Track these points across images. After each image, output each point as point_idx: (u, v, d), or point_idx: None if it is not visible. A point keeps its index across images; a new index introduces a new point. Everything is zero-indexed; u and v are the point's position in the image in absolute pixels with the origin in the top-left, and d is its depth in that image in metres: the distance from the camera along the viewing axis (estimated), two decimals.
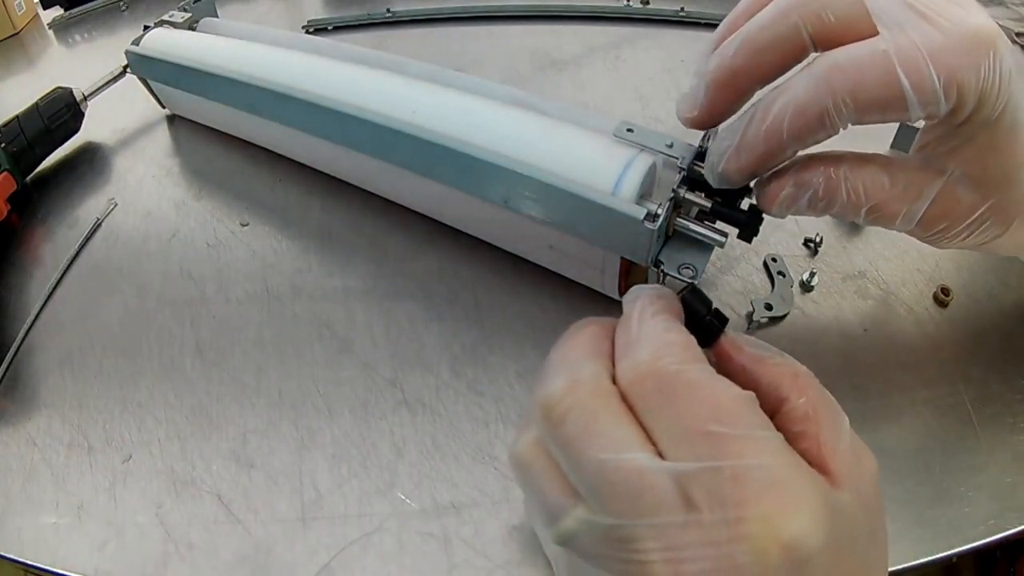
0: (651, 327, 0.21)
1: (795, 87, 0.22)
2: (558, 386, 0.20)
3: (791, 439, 0.20)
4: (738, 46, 0.23)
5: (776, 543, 0.17)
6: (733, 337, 0.23)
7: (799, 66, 0.23)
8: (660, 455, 0.19)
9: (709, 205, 0.29)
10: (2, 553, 0.28)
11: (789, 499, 0.18)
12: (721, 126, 0.25)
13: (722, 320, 0.23)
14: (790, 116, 0.22)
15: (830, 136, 0.22)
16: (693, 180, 0.31)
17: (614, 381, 0.21)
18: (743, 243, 0.38)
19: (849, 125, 0.22)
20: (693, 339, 0.21)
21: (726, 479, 0.18)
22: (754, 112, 0.23)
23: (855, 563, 0.19)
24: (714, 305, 0.24)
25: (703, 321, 0.23)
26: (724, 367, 0.23)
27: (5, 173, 0.41)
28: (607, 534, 0.19)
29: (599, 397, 0.20)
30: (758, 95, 0.24)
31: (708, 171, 0.26)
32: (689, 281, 0.31)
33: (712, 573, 0.18)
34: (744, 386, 0.21)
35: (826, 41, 0.22)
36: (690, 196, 0.29)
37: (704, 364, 0.20)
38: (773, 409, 0.21)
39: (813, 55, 0.22)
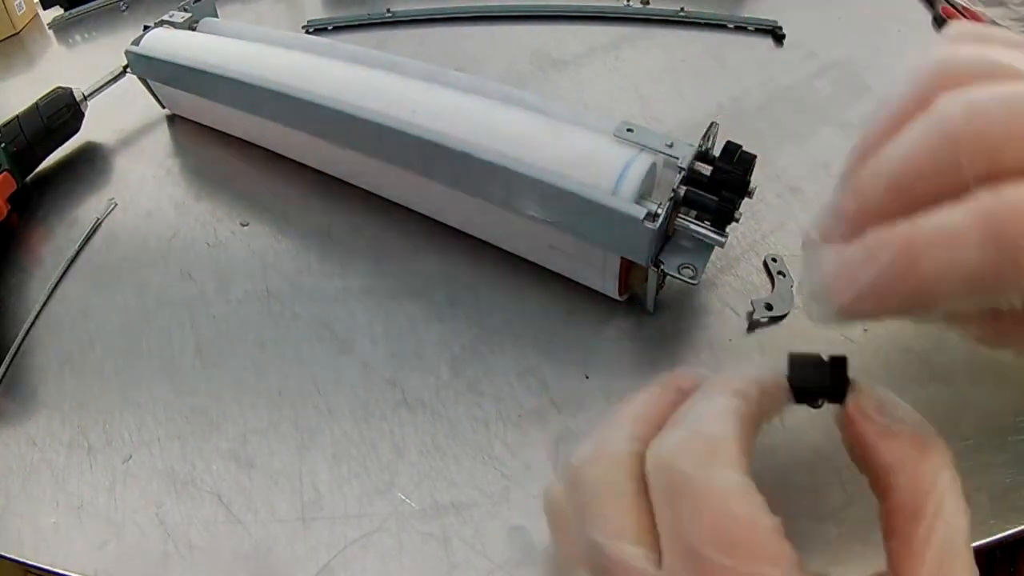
0: (699, 410, 0.19)
1: (961, 238, 0.16)
2: (585, 451, 0.20)
3: (886, 533, 0.18)
4: (885, 187, 0.18)
5: None
6: (862, 399, 0.19)
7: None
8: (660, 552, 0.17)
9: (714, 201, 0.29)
10: (2, 553, 0.28)
11: None
12: (831, 247, 0.19)
13: (839, 381, 0.19)
14: (949, 277, 0.16)
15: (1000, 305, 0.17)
16: (693, 180, 0.31)
17: None
18: (743, 243, 0.38)
19: None
20: (733, 436, 0.18)
21: None
22: (896, 254, 0.17)
23: None
24: (825, 356, 0.20)
25: (814, 391, 0.20)
26: (848, 434, 0.19)
27: (5, 173, 0.41)
28: None
29: (616, 477, 0.19)
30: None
31: (810, 297, 0.20)
32: (689, 281, 0.31)
33: None
34: (863, 459, 0.19)
35: (991, 180, 0.16)
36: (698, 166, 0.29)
37: (732, 471, 0.17)
38: (884, 491, 0.18)
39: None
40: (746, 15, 0.57)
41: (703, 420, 0.18)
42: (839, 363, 0.20)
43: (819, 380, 0.20)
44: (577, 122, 0.33)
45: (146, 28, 0.45)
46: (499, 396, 0.32)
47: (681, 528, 0.17)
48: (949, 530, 0.17)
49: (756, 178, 0.31)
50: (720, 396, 0.19)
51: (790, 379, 0.20)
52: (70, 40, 0.61)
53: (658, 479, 0.18)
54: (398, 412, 0.32)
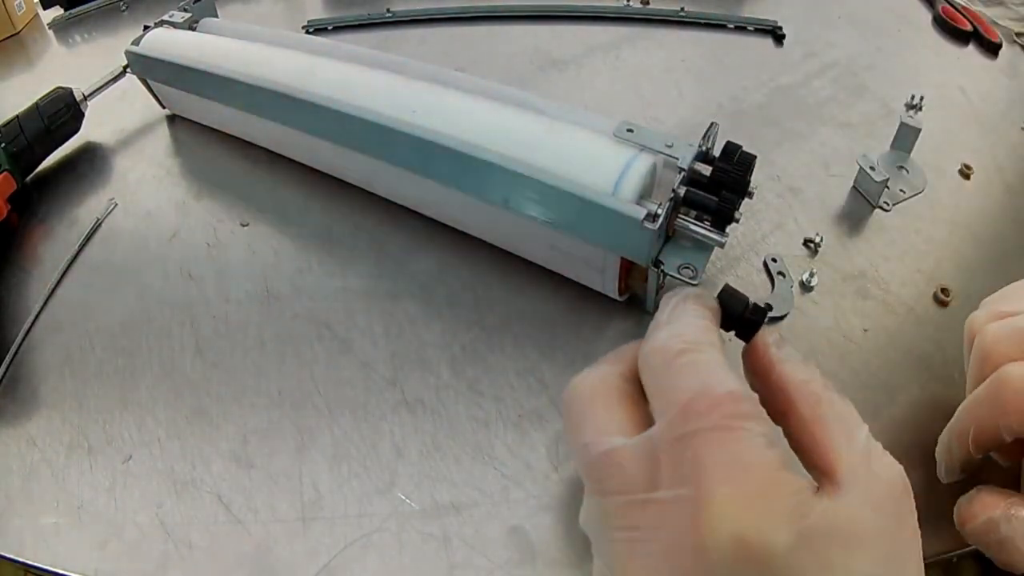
0: (677, 314, 0.22)
1: None
2: (578, 376, 0.22)
3: (796, 444, 0.20)
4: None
5: (730, 535, 0.17)
6: (764, 335, 0.23)
7: None
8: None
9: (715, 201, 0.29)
10: (2, 553, 0.28)
11: (753, 491, 0.17)
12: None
13: (760, 314, 0.24)
14: None
15: None
16: (693, 180, 0.31)
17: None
18: (743, 243, 0.38)
19: None
20: (714, 329, 0.21)
21: (688, 459, 0.18)
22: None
23: (861, 563, 0.18)
24: (752, 301, 0.24)
25: (740, 318, 0.23)
26: (751, 365, 0.23)
27: (5, 173, 0.41)
28: (591, 512, 0.20)
29: (601, 387, 0.22)
30: None
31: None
32: (689, 282, 0.31)
33: (663, 558, 0.18)
34: (762, 387, 0.21)
35: None
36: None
37: (715, 352, 0.20)
38: (783, 412, 0.21)
39: None
40: (746, 15, 0.57)
41: (684, 319, 0.21)
42: (760, 311, 0.24)
43: (739, 311, 0.24)
44: (577, 122, 0.33)
45: (146, 28, 0.45)
46: (499, 396, 0.32)
47: (669, 391, 0.19)
48: (859, 428, 0.20)
49: (756, 178, 0.31)
50: (691, 307, 0.22)
51: (719, 297, 0.24)
52: (70, 40, 0.61)
53: (651, 362, 0.21)
54: (398, 412, 0.32)
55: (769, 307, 0.25)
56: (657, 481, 0.18)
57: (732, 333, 0.24)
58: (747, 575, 0.17)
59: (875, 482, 0.19)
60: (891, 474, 0.20)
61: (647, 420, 0.21)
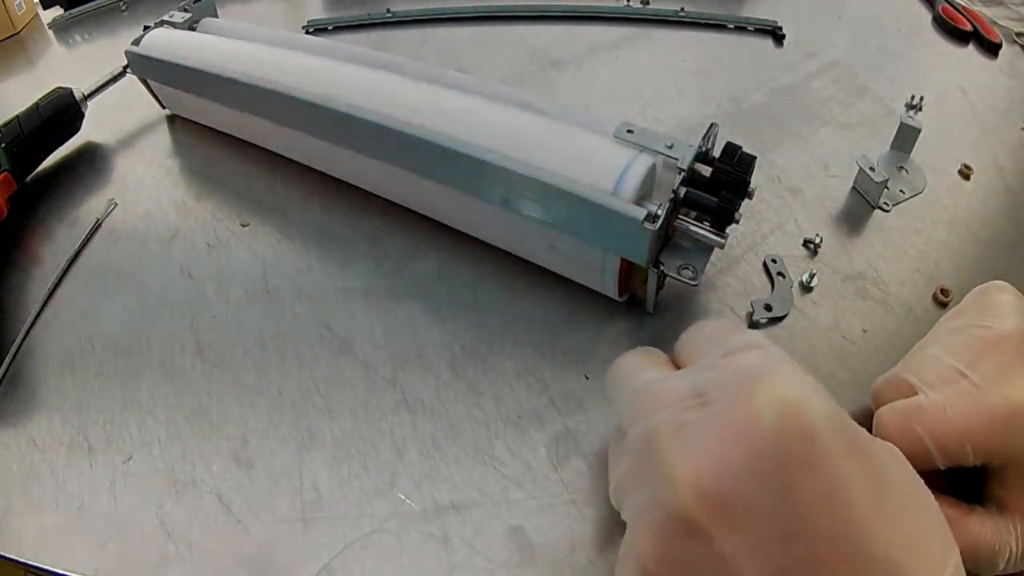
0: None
1: None
2: (626, 355, 0.25)
3: None
4: None
5: (779, 403, 0.19)
6: None
7: None
8: None
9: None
10: (2, 553, 0.28)
11: (792, 380, 0.20)
12: None
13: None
14: None
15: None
16: (693, 181, 0.31)
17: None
18: (743, 244, 0.38)
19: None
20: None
21: (731, 371, 0.21)
22: None
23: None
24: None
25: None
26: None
27: (5, 173, 0.41)
28: (633, 443, 0.21)
29: (645, 357, 0.25)
30: None
31: None
32: (689, 282, 0.31)
33: (717, 441, 0.19)
34: None
35: None
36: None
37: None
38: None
39: None
40: (746, 15, 0.57)
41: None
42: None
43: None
44: (577, 123, 0.33)
45: (146, 28, 0.45)
46: (499, 396, 0.32)
47: (710, 343, 0.23)
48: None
49: (756, 179, 0.31)
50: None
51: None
52: (70, 40, 0.61)
53: (696, 335, 0.24)
54: (398, 412, 0.32)
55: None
56: (704, 391, 0.20)
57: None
58: (792, 444, 0.18)
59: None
60: None
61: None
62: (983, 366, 0.25)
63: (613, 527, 0.28)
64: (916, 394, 0.26)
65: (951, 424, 0.24)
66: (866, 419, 0.28)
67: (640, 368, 0.24)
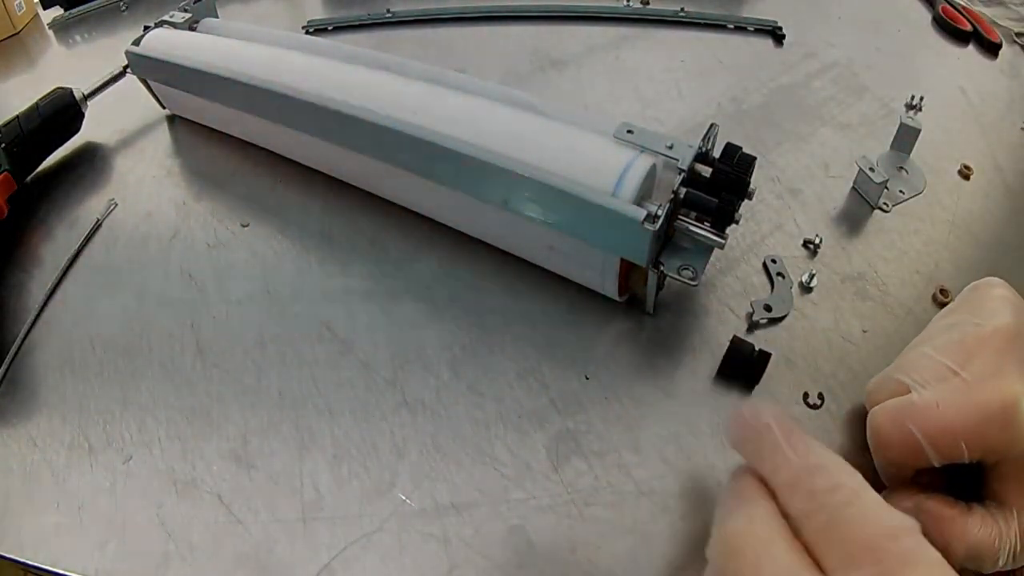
0: (805, 455, 0.22)
1: None
2: (739, 521, 0.22)
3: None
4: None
5: None
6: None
7: None
8: None
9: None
10: (2, 553, 0.28)
11: None
12: None
13: (765, 357, 0.29)
14: None
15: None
16: (693, 181, 0.31)
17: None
18: (743, 244, 0.38)
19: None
20: (845, 463, 0.22)
21: None
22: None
23: None
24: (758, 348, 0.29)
25: (748, 362, 0.29)
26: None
27: (5, 173, 0.41)
28: None
29: (772, 530, 0.21)
30: None
31: None
32: (689, 283, 0.31)
33: None
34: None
35: None
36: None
37: (868, 489, 0.21)
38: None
39: None
40: (746, 15, 0.57)
41: (821, 462, 0.22)
42: (765, 354, 0.29)
43: (748, 354, 0.30)
44: (577, 123, 0.33)
45: (146, 28, 0.45)
46: (499, 397, 0.32)
47: (849, 542, 0.20)
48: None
49: (755, 179, 0.31)
50: (803, 440, 0.23)
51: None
52: (70, 40, 0.61)
53: (815, 520, 0.21)
54: (398, 412, 0.32)
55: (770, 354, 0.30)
56: None
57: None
58: None
59: None
60: None
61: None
62: (975, 363, 0.25)
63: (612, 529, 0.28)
64: (909, 393, 0.26)
65: (944, 421, 0.24)
66: (862, 420, 0.28)
67: (767, 543, 0.21)
